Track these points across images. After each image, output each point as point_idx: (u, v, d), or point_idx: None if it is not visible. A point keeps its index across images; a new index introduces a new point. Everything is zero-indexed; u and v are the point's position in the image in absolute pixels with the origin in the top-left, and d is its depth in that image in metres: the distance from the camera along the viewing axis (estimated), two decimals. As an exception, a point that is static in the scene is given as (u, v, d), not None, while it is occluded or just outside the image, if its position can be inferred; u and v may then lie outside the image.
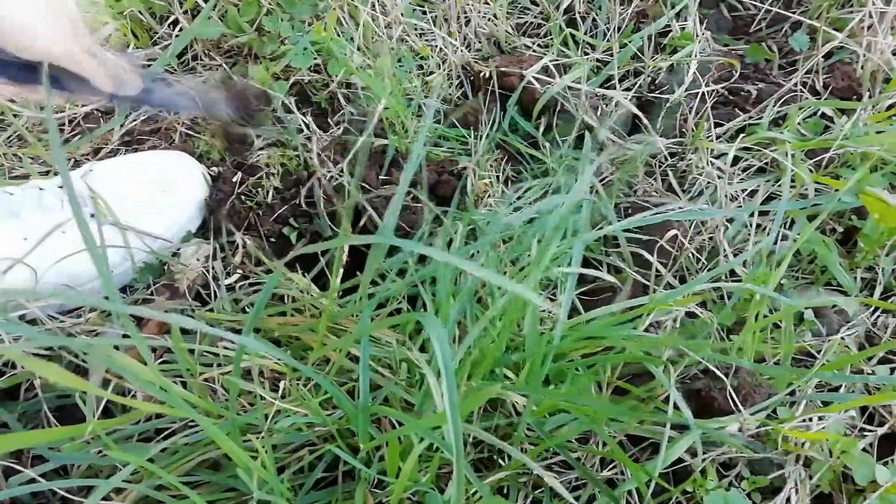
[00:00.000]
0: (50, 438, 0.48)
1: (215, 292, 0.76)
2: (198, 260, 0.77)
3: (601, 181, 0.87)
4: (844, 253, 0.82)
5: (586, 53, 1.00)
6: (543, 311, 0.73)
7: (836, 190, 0.81)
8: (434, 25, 1.01)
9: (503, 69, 0.94)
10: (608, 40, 1.01)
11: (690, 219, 0.76)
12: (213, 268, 0.77)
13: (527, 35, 1.06)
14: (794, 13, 1.04)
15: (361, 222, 0.82)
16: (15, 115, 0.90)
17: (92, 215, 0.73)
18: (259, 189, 0.84)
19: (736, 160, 0.89)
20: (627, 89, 0.96)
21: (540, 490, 0.63)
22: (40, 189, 0.74)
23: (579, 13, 1.03)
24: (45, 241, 0.69)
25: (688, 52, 0.95)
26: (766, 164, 0.89)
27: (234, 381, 0.54)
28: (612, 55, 0.99)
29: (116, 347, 0.59)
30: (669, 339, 0.52)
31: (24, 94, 0.55)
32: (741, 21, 1.10)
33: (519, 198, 0.85)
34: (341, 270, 0.72)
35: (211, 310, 0.74)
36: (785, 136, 0.88)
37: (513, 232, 0.66)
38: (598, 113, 0.93)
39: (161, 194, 0.78)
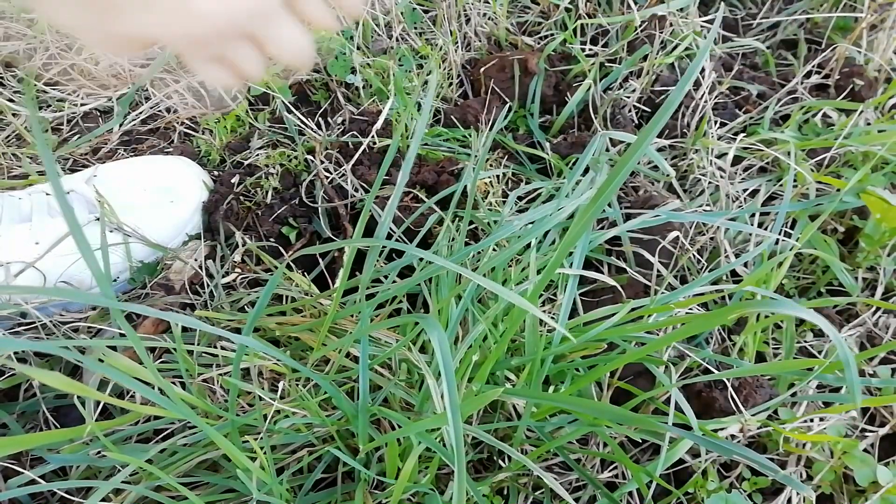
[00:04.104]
0: (49, 440, 0.48)
1: (212, 292, 0.75)
2: (195, 259, 0.77)
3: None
4: (846, 253, 0.82)
5: (591, 55, 0.99)
6: (544, 311, 0.73)
7: (838, 190, 0.81)
8: (434, 25, 1.01)
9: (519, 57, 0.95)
10: (616, 39, 1.01)
11: (692, 220, 0.76)
12: (206, 267, 0.77)
13: (527, 34, 1.06)
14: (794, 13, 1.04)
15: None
16: (14, 115, 0.90)
17: (97, 219, 0.73)
18: (258, 189, 0.83)
19: (737, 160, 0.89)
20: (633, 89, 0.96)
21: (540, 491, 0.63)
22: (46, 194, 0.75)
23: (584, 12, 1.02)
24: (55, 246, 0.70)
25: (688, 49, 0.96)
26: (768, 163, 0.89)
27: (233, 382, 0.54)
28: (617, 55, 0.98)
29: (114, 348, 0.59)
30: (670, 339, 0.51)
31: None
32: (741, 20, 1.10)
33: (521, 198, 0.85)
34: (343, 271, 0.72)
35: (209, 309, 0.74)
36: (786, 136, 0.87)
37: (514, 234, 0.66)
38: (606, 112, 0.93)
39: (164, 200, 0.78)
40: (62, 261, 0.71)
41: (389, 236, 0.77)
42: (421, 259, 0.72)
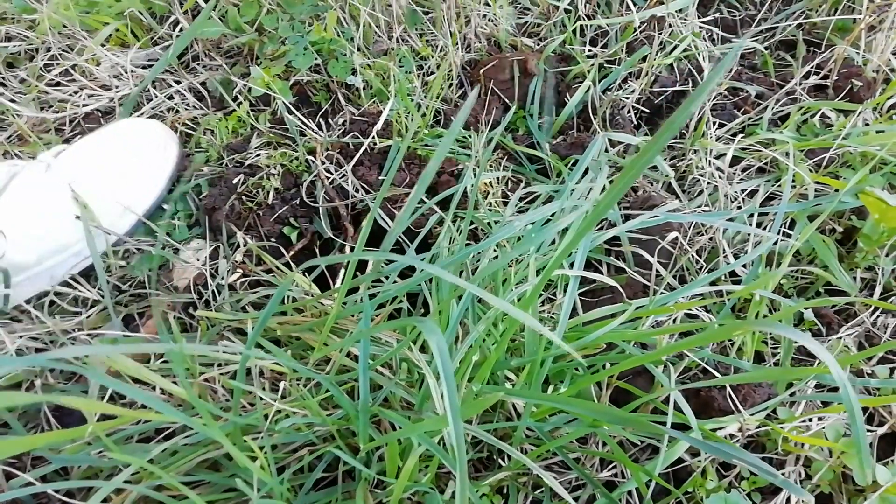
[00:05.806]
0: (50, 441, 0.48)
1: (214, 292, 0.76)
2: (198, 259, 0.78)
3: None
4: (844, 253, 0.82)
5: (590, 56, 1.00)
6: (543, 311, 0.73)
7: (836, 190, 0.81)
8: (434, 26, 1.01)
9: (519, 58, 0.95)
10: (615, 40, 1.01)
11: (691, 221, 0.76)
12: (209, 268, 0.77)
13: (527, 35, 1.06)
14: (793, 14, 1.04)
15: (363, 222, 0.82)
16: (15, 115, 0.90)
17: (77, 217, 0.74)
18: (259, 189, 0.84)
19: (736, 160, 0.89)
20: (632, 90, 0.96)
21: (540, 490, 0.64)
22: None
23: (584, 13, 1.03)
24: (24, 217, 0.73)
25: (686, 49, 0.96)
26: (766, 164, 0.89)
27: (237, 386, 0.54)
28: (616, 56, 0.99)
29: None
30: (672, 349, 0.52)
31: None
32: (740, 20, 1.11)
33: (521, 198, 0.85)
34: (343, 274, 0.72)
35: (211, 309, 0.74)
36: (785, 136, 0.88)
37: (514, 235, 0.66)
38: (605, 113, 0.93)
39: (132, 165, 0.81)
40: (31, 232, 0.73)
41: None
42: (422, 259, 0.73)
